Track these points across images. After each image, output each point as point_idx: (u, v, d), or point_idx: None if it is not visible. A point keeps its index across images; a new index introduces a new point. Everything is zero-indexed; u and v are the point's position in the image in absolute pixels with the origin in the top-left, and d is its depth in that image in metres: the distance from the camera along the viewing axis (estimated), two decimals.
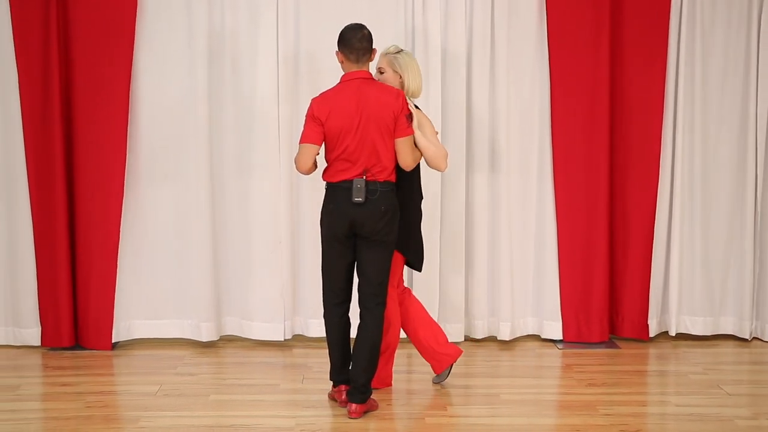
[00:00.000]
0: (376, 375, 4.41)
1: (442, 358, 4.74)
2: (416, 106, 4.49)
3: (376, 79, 4.45)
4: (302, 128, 4.27)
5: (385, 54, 4.53)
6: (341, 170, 4.22)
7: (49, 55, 5.26)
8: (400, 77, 4.48)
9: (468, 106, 5.52)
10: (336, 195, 4.25)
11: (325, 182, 4.34)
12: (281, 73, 5.41)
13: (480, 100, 5.50)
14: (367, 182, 4.20)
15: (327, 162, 4.31)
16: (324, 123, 4.19)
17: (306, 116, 4.26)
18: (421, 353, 4.76)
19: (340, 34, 4.29)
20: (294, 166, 4.44)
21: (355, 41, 4.22)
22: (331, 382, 4.53)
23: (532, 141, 5.62)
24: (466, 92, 5.49)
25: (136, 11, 5.30)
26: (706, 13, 5.54)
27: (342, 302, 4.41)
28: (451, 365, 4.78)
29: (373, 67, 4.47)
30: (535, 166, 5.63)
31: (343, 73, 4.31)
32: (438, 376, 4.82)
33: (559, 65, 5.50)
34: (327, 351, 4.49)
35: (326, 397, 4.58)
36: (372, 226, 4.24)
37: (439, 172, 5.40)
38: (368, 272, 4.32)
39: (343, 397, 4.42)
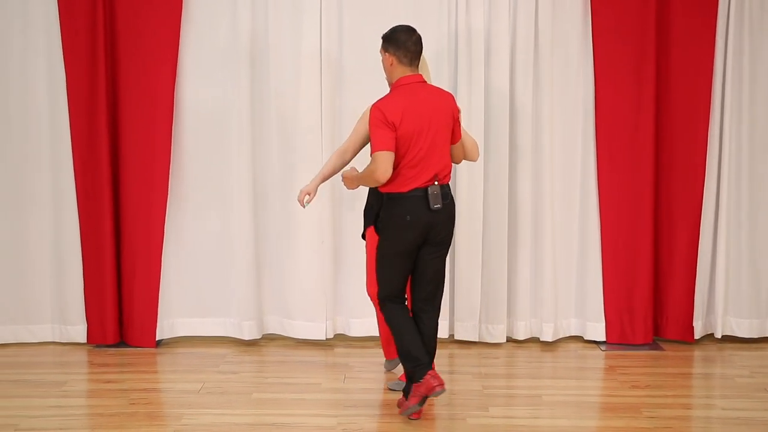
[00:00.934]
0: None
1: None
2: None
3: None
4: (375, 134, 4.04)
5: None
6: (411, 178, 4.09)
7: (96, 59, 5.34)
8: None
9: (511, 106, 5.48)
10: (407, 205, 4.10)
11: (386, 194, 4.17)
12: (324, 74, 5.41)
13: (523, 99, 5.46)
14: (440, 187, 4.16)
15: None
16: (398, 128, 4.04)
17: (374, 123, 4.04)
18: (382, 337, 4.83)
19: (389, 37, 4.18)
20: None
21: (410, 44, 4.14)
22: (420, 372, 4.16)
23: (576, 139, 5.58)
24: (509, 90, 5.45)
25: (180, 14, 5.36)
26: (755, 12, 5.45)
27: (403, 298, 4.33)
28: None
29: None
30: (578, 165, 5.59)
31: (391, 75, 4.20)
32: (389, 362, 4.88)
33: (604, 64, 5.45)
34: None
35: (367, 396, 4.57)
36: (446, 232, 4.21)
37: (482, 173, 5.42)
38: (433, 278, 4.26)
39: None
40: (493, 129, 5.47)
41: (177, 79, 5.42)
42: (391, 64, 4.18)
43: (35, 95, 5.45)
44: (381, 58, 4.27)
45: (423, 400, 4.16)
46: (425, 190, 4.11)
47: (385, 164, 4.01)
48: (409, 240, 4.14)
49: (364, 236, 4.72)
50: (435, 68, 5.40)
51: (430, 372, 4.15)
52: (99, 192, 5.42)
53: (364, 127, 4.37)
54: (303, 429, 4.14)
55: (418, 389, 4.15)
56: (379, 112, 4.05)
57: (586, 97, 5.55)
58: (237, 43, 5.40)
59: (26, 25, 5.40)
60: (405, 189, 4.10)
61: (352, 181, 4.34)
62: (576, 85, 5.54)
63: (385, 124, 4.02)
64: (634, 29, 5.41)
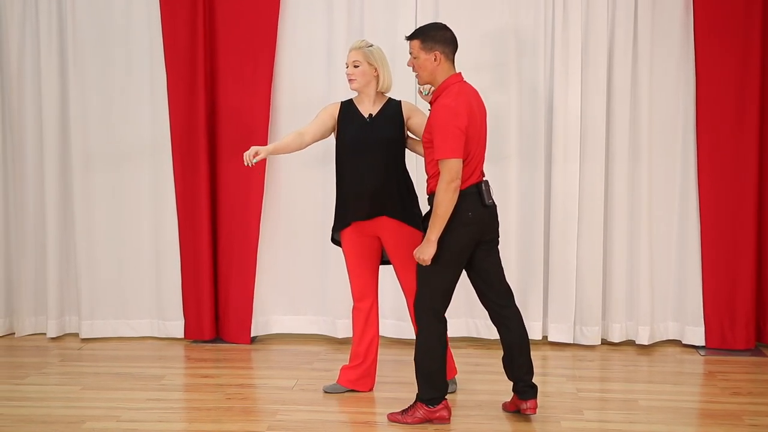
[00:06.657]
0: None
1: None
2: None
3: (350, 73, 4.44)
4: (447, 139, 3.90)
5: (358, 48, 4.45)
6: (468, 176, 4.04)
7: (195, 62, 5.47)
8: (375, 70, 4.45)
9: (609, 104, 5.40)
10: (468, 201, 4.04)
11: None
12: None
13: (621, 97, 5.37)
14: (487, 182, 4.15)
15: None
16: (467, 131, 3.98)
17: (446, 127, 3.91)
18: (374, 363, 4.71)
19: (434, 36, 4.06)
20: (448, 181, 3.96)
21: (455, 39, 4.13)
22: (437, 402, 4.18)
23: (676, 138, 5.45)
24: (606, 89, 5.37)
25: (278, 11, 5.44)
26: None
27: (444, 316, 4.22)
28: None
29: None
30: (678, 163, 5.47)
31: (436, 74, 4.08)
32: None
33: (706, 61, 5.30)
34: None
35: (460, 397, 4.55)
36: (497, 226, 4.20)
37: (577, 173, 5.35)
38: (499, 273, 4.23)
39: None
40: (590, 128, 5.39)
41: (274, 78, 5.49)
42: (439, 63, 4.08)
43: (137, 98, 5.62)
44: (413, 58, 4.12)
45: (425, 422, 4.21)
46: (479, 186, 4.08)
47: (460, 171, 3.94)
48: (470, 237, 4.07)
49: (338, 243, 4.62)
50: (530, 65, 5.37)
51: (444, 402, 4.19)
52: (197, 191, 5.54)
53: (327, 117, 4.49)
54: (397, 427, 4.15)
55: (428, 415, 4.17)
56: (452, 114, 3.94)
57: (687, 96, 5.41)
58: (332, 39, 5.46)
59: (129, 29, 5.57)
60: (465, 186, 4.04)
61: (431, 247, 4.02)
62: (677, 83, 5.41)
63: (458, 128, 3.93)
64: (738, 25, 5.26)
